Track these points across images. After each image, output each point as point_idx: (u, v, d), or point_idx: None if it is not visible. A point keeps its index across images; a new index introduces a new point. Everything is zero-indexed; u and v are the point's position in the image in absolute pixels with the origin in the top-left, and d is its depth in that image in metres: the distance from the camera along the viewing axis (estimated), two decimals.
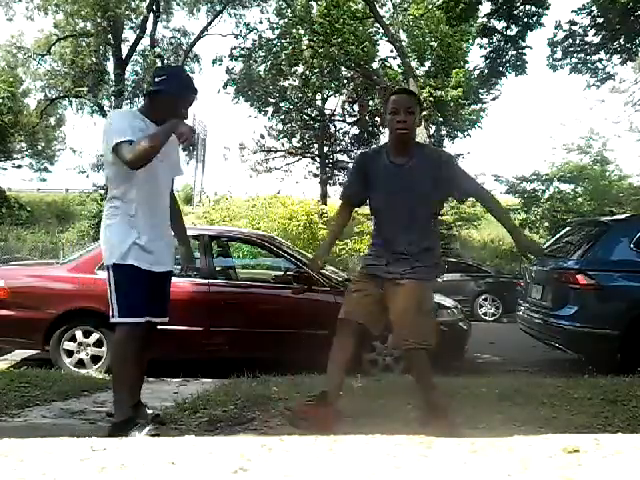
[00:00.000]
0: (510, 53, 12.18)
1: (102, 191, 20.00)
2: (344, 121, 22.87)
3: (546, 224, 15.90)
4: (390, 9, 20.54)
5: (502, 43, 12.19)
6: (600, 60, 12.12)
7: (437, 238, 2.78)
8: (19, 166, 28.21)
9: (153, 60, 21.98)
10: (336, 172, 23.18)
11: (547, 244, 6.86)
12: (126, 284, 2.53)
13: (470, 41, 18.36)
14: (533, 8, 11.67)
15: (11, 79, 22.98)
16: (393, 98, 2.59)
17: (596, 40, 11.84)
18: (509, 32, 11.98)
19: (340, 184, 23.05)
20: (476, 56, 16.49)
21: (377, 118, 20.47)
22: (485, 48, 12.55)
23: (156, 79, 2.67)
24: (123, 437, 2.38)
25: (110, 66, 23.00)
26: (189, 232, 5.81)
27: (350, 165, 22.90)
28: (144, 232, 2.56)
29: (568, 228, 6.48)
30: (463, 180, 2.62)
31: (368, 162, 2.72)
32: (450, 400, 3.13)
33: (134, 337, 2.54)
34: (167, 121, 2.53)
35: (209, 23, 23.60)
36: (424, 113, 16.81)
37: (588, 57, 12.03)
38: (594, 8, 11.68)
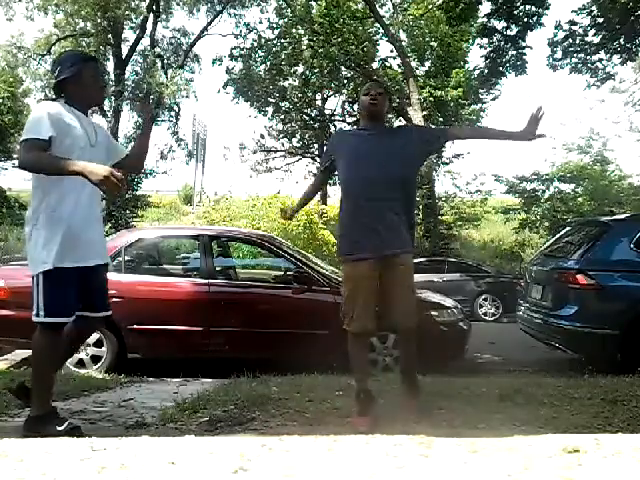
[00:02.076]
0: (510, 53, 12.18)
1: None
2: (344, 121, 22.85)
3: (546, 224, 15.91)
4: (390, 9, 20.55)
5: (502, 43, 12.19)
6: (600, 60, 12.12)
7: (411, 207, 2.91)
8: None
9: (153, 60, 21.96)
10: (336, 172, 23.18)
11: (547, 244, 6.87)
12: (51, 286, 2.44)
13: (470, 41, 18.34)
14: (533, 8, 11.67)
15: (11, 79, 22.96)
16: (366, 85, 2.96)
17: (596, 40, 11.84)
18: (509, 32, 11.98)
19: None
20: (476, 56, 16.51)
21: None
22: (485, 48, 12.55)
23: (55, 72, 2.59)
24: (41, 432, 2.36)
25: (110, 66, 22.99)
26: (189, 232, 5.80)
27: None
28: (70, 226, 2.45)
29: (568, 228, 6.48)
30: (436, 129, 2.92)
31: (341, 138, 3.13)
32: (450, 400, 3.13)
33: (58, 336, 2.49)
34: (90, 99, 2.63)
35: (209, 23, 23.61)
36: (424, 113, 16.83)
37: (588, 57, 12.03)
38: (594, 8, 11.68)
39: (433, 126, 3.29)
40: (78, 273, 2.49)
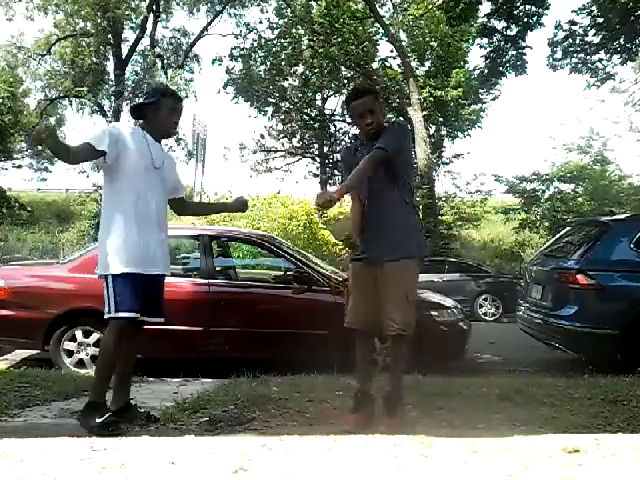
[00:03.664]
0: (510, 53, 12.18)
1: (102, 191, 20.00)
2: (344, 121, 22.82)
3: (546, 224, 15.90)
4: (390, 9, 20.54)
5: (502, 43, 12.19)
6: (600, 60, 12.13)
7: (410, 214, 2.87)
8: (19, 166, 28.22)
9: (153, 60, 21.98)
10: (336, 172, 23.15)
11: (547, 244, 6.86)
12: (121, 287, 2.69)
13: (470, 41, 18.34)
14: (533, 8, 11.66)
15: (11, 79, 22.92)
16: (355, 104, 2.83)
17: (596, 40, 11.84)
18: (509, 32, 11.98)
19: (340, 184, 22.98)
20: (476, 56, 16.50)
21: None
22: (485, 48, 12.55)
23: (141, 98, 2.88)
24: (83, 420, 2.56)
25: (110, 66, 23.01)
26: (189, 232, 5.81)
27: None
28: (139, 235, 2.71)
29: (568, 228, 6.48)
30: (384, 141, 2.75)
31: (347, 154, 3.05)
32: (450, 400, 3.13)
33: (123, 332, 2.69)
34: (162, 129, 2.87)
35: (209, 23, 23.61)
36: (424, 113, 16.82)
37: (588, 57, 12.04)
38: (594, 8, 11.68)
39: (392, 134, 3.15)
40: (141, 279, 2.72)
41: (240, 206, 3.18)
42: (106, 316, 2.70)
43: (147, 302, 2.77)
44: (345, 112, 22.72)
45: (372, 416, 2.70)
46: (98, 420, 2.55)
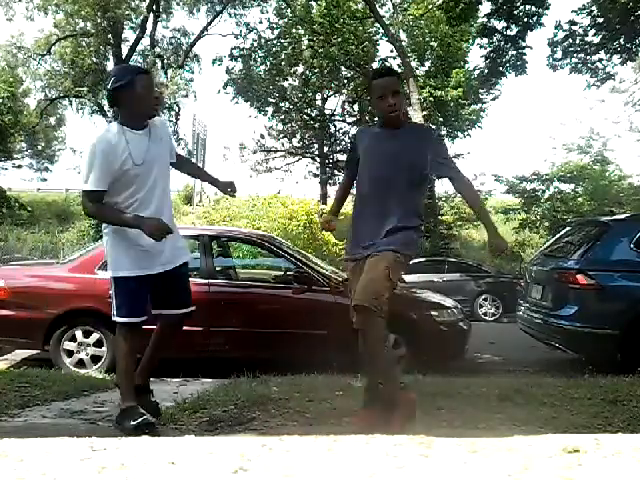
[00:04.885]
0: (510, 53, 12.19)
1: None
2: (344, 121, 22.84)
3: (546, 224, 15.90)
4: (390, 9, 20.53)
5: (502, 43, 12.19)
6: (600, 60, 12.13)
7: (417, 211, 2.74)
8: (19, 166, 28.25)
9: (153, 60, 21.97)
10: (336, 172, 23.16)
11: (547, 244, 6.86)
12: (123, 291, 2.71)
13: (470, 41, 18.34)
14: (533, 8, 11.67)
15: (11, 79, 22.92)
16: (378, 82, 2.68)
17: (596, 40, 11.84)
18: (509, 32, 11.99)
19: (340, 184, 22.97)
20: (476, 56, 16.51)
21: (377, 118, 20.47)
22: (485, 48, 12.56)
23: (108, 85, 2.71)
24: (119, 425, 2.58)
25: (110, 66, 22.94)
26: (189, 232, 5.83)
27: None
28: (141, 237, 2.65)
29: (568, 228, 6.48)
30: (442, 164, 2.67)
31: (362, 135, 2.90)
32: (450, 400, 3.13)
33: (131, 334, 2.71)
34: (142, 114, 2.69)
35: (209, 23, 23.58)
36: (424, 113, 16.82)
37: (588, 57, 12.04)
38: (594, 8, 11.69)
39: (451, 158, 3.05)
40: (147, 279, 2.71)
41: (227, 188, 3.04)
42: (113, 318, 2.74)
43: (166, 297, 2.80)
44: (345, 112, 22.78)
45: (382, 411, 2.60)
46: (132, 423, 2.55)
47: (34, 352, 5.26)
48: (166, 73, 22.35)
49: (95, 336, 4.65)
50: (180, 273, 2.87)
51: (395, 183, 2.64)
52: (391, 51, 19.71)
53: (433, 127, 3.48)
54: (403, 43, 18.78)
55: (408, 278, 8.08)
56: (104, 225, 2.80)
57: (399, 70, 19.36)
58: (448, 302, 5.28)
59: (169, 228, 2.65)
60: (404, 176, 2.63)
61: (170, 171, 2.93)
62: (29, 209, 21.66)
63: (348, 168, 3.00)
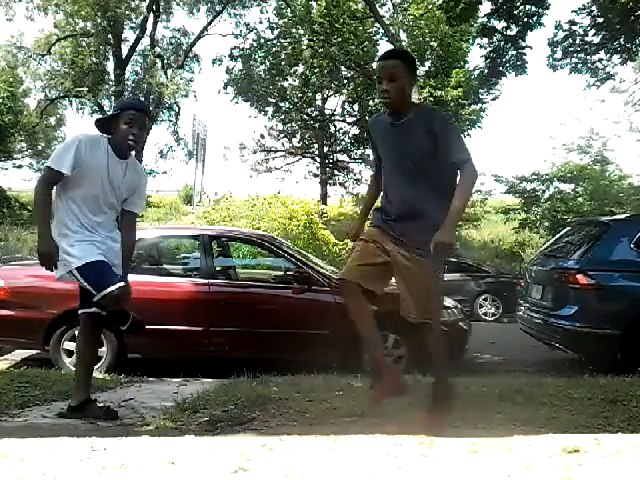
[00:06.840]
0: (510, 53, 12.16)
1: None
2: (344, 121, 22.82)
3: (546, 224, 15.89)
4: (390, 9, 20.52)
5: (502, 43, 12.17)
6: (600, 60, 12.10)
7: (438, 200, 2.52)
8: (19, 166, 28.17)
9: (153, 60, 21.96)
10: (336, 172, 23.16)
11: (547, 244, 6.86)
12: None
13: (470, 41, 18.32)
14: (533, 8, 11.65)
15: (11, 79, 22.94)
16: (377, 65, 2.63)
17: (596, 40, 11.82)
18: (509, 32, 11.96)
19: (340, 184, 23.01)
20: (476, 56, 16.49)
21: None
22: (485, 48, 12.53)
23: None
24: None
25: (110, 66, 22.97)
26: (189, 232, 5.81)
27: (350, 165, 22.96)
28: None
29: (568, 228, 6.48)
30: (447, 150, 2.50)
31: (373, 126, 2.81)
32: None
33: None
34: (118, 145, 2.84)
35: (209, 23, 23.59)
36: None
37: (588, 57, 12.02)
38: (594, 8, 11.67)
39: (456, 140, 2.96)
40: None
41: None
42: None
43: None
44: (345, 112, 22.78)
45: (393, 384, 2.53)
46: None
47: (34, 352, 5.26)
48: (166, 73, 22.33)
49: None
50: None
51: (407, 170, 2.56)
52: None
53: (442, 112, 3.37)
54: (403, 43, 18.77)
55: None
56: (52, 225, 2.84)
57: None
58: (448, 302, 5.28)
59: (55, 263, 2.72)
60: (413, 163, 2.54)
61: (119, 207, 2.98)
62: (29, 209, 21.67)
63: (374, 157, 2.92)
